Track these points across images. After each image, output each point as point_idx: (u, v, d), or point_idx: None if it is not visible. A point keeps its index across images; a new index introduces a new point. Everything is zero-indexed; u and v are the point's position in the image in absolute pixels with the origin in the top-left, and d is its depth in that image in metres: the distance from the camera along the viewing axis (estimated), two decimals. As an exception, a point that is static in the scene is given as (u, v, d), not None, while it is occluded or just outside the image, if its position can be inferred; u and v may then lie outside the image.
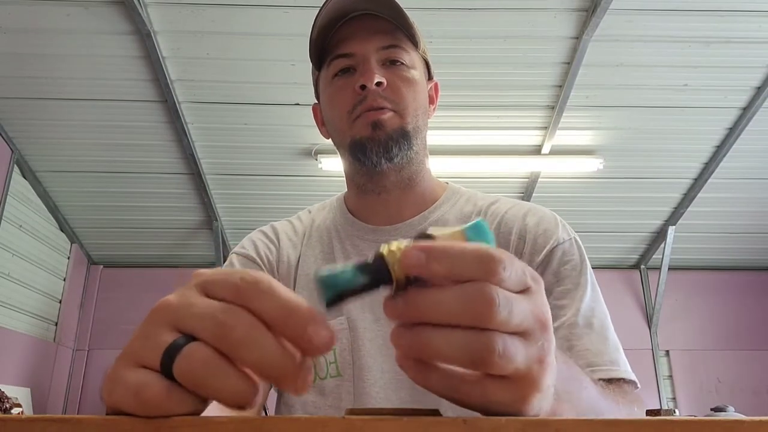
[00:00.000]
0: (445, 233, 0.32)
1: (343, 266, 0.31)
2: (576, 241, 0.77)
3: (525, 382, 0.30)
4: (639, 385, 0.69)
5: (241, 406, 0.29)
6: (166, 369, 0.29)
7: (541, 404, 0.32)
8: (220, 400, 0.29)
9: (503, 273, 0.29)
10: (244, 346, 0.28)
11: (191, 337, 0.29)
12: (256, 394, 0.29)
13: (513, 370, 0.29)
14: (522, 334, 0.30)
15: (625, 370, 0.68)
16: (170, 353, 0.29)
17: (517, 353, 0.29)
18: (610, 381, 0.66)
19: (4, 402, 3.19)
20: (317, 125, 0.89)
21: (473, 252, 0.30)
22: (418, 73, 0.81)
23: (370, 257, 0.31)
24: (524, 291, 0.31)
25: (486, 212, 0.81)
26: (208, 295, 0.31)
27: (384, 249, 0.31)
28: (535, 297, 0.31)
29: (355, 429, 0.27)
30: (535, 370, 0.30)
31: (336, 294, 0.30)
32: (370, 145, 0.76)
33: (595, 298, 0.73)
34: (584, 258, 0.76)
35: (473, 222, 0.32)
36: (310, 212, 0.93)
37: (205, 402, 0.30)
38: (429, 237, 0.32)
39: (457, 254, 0.29)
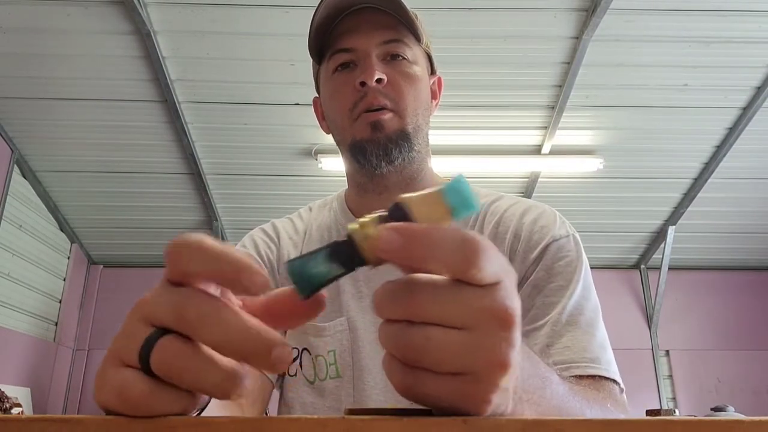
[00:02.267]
0: (421, 195, 0.29)
1: (313, 254, 0.29)
2: (574, 238, 0.76)
3: (472, 381, 0.28)
4: (623, 385, 0.67)
5: (226, 395, 0.28)
6: (145, 365, 0.28)
7: (500, 404, 0.30)
8: (202, 391, 0.28)
9: (483, 263, 0.27)
10: (201, 324, 0.28)
11: (169, 331, 0.29)
12: (238, 381, 0.28)
13: (450, 365, 0.28)
14: (466, 329, 0.28)
15: (606, 369, 0.65)
16: (146, 348, 0.28)
17: (447, 347, 0.27)
18: (587, 378, 0.64)
19: (4, 402, 3.19)
20: (318, 119, 0.88)
21: (454, 239, 0.27)
22: (420, 69, 0.80)
23: (341, 237, 0.30)
24: (491, 285, 0.28)
25: (487, 210, 0.80)
26: (179, 283, 0.30)
27: (354, 227, 0.29)
28: (499, 292, 0.28)
29: (355, 429, 0.27)
30: (484, 369, 0.28)
31: (310, 286, 0.29)
32: (369, 147, 0.75)
33: (585, 296, 0.71)
34: (581, 256, 0.74)
35: (452, 180, 0.29)
36: (311, 210, 0.92)
37: (193, 398, 0.30)
38: (403, 206, 0.29)
39: (436, 240, 0.27)
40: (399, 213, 0.29)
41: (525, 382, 0.35)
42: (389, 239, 0.27)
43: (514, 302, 0.29)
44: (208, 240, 0.29)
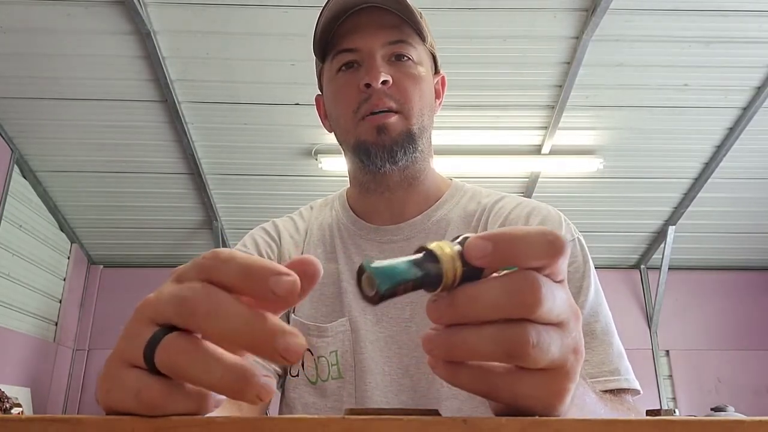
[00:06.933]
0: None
1: (393, 260, 0.29)
2: (580, 241, 0.76)
3: (560, 374, 0.29)
4: (641, 391, 0.68)
5: (237, 394, 0.27)
6: (150, 364, 0.28)
7: (568, 403, 0.31)
8: (211, 388, 0.28)
9: (564, 258, 0.29)
10: (207, 316, 0.27)
11: (173, 329, 0.29)
12: (250, 380, 0.27)
13: (549, 361, 0.29)
14: (559, 324, 0.29)
15: (626, 378, 0.66)
16: (151, 347, 0.28)
17: (552, 344, 0.28)
18: (608, 392, 0.64)
19: (4, 402, 3.19)
20: (320, 118, 0.87)
21: (539, 235, 0.29)
22: (424, 69, 0.79)
23: (419, 255, 0.29)
24: (562, 281, 0.30)
25: (490, 211, 0.80)
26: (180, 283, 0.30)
27: (433, 246, 0.29)
28: (567, 289, 0.31)
29: (355, 429, 0.27)
30: (570, 361, 0.30)
31: (392, 285, 0.28)
32: (374, 150, 0.75)
33: (598, 301, 0.71)
34: (588, 259, 0.74)
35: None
36: (312, 209, 0.92)
37: (207, 400, 0.29)
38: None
39: (524, 239, 0.28)
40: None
41: None
42: (481, 246, 0.28)
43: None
44: (240, 253, 0.29)
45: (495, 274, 0.29)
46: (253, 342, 0.27)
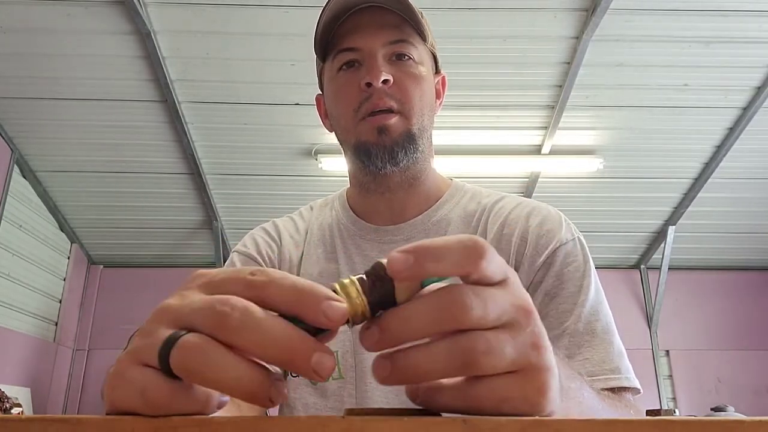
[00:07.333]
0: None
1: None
2: (580, 240, 0.76)
3: (529, 372, 0.29)
4: (641, 390, 0.68)
5: (252, 397, 0.27)
6: (164, 363, 0.28)
7: (556, 397, 0.30)
8: (224, 391, 0.28)
9: (490, 260, 0.29)
10: (243, 328, 0.27)
11: (191, 332, 0.28)
12: (265, 382, 0.27)
13: (507, 363, 0.28)
14: (505, 326, 0.29)
15: (626, 377, 0.66)
16: (167, 346, 0.28)
17: (503, 346, 0.28)
18: (608, 390, 0.65)
19: (4, 402, 3.19)
20: (320, 117, 0.87)
21: (457, 243, 0.29)
22: (425, 69, 0.79)
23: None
24: (502, 282, 0.30)
25: (490, 211, 0.80)
26: (212, 294, 0.30)
27: (336, 286, 0.29)
28: (512, 287, 0.30)
29: (355, 429, 0.27)
30: (532, 357, 0.29)
31: None
32: (375, 150, 0.75)
33: (599, 300, 0.71)
34: (588, 259, 0.74)
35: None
36: (312, 209, 0.92)
37: (211, 402, 0.29)
38: (384, 266, 0.30)
39: (442, 248, 0.28)
40: (379, 273, 0.29)
41: (567, 381, 0.35)
42: (402, 259, 0.28)
43: (526, 294, 0.31)
44: (288, 274, 0.30)
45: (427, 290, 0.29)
46: (288, 355, 0.27)
